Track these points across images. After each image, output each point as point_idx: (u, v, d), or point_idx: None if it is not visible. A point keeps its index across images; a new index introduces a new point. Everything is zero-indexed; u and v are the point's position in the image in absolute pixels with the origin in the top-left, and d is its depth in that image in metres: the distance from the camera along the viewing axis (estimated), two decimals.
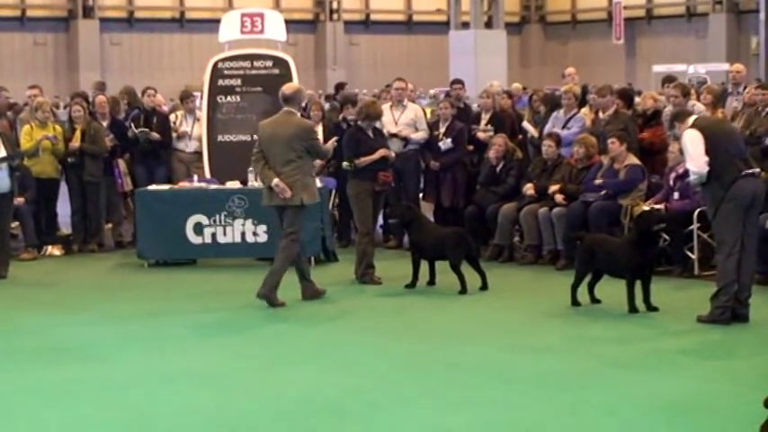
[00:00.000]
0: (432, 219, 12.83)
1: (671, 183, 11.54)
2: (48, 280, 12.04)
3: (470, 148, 13.63)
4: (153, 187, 13.11)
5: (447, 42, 34.43)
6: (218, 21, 15.01)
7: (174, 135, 14.12)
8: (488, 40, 32.60)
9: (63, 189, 13.91)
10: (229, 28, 14.47)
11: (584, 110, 13.32)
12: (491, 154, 12.99)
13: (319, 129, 12.76)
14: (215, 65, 14.10)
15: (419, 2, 45.23)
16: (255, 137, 13.40)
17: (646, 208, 11.14)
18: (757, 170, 9.28)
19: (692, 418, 6.83)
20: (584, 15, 45.96)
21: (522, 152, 13.28)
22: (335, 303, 10.45)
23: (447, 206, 13.37)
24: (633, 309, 9.63)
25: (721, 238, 9.22)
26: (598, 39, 43.03)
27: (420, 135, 13.49)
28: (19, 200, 12.81)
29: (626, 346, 8.68)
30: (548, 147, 12.61)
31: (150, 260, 12.66)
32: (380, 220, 12.72)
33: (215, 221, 12.44)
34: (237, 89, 14.01)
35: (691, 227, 11.24)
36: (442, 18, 42.41)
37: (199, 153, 14.02)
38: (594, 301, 10.04)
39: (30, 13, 38.41)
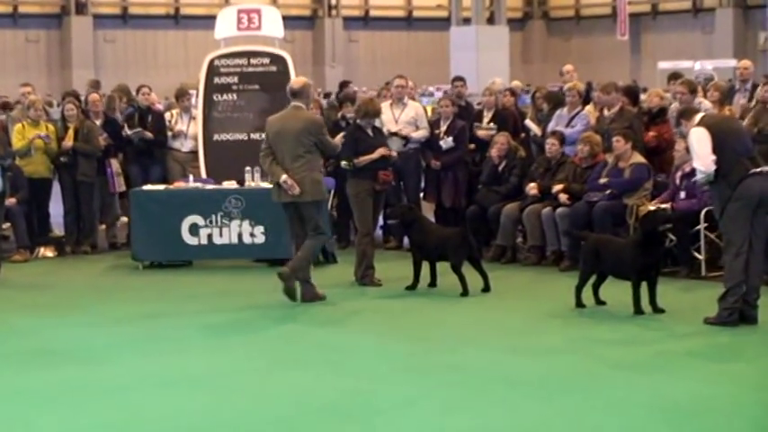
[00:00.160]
0: (432, 219, 12.81)
1: (677, 182, 11.48)
2: (40, 282, 11.98)
3: (472, 146, 13.55)
4: (148, 187, 13.05)
5: (448, 39, 34.45)
6: (213, 17, 14.96)
7: (170, 134, 14.03)
8: (490, 37, 32.59)
9: (56, 189, 13.86)
10: (225, 24, 14.38)
11: (589, 107, 13.25)
12: (493, 153, 12.91)
13: None
14: (211, 62, 14.03)
15: None
16: (252, 136, 13.55)
17: (651, 208, 11.12)
18: (765, 169, 9.18)
19: (698, 422, 6.80)
20: (587, 11, 45.98)
21: (525, 151, 13.21)
22: (335, 305, 10.40)
23: (448, 206, 13.30)
24: (639, 311, 9.55)
25: (729, 238, 9.18)
26: (602, 35, 42.95)
27: (421, 134, 13.43)
28: (11, 200, 12.81)
29: (631, 348, 8.63)
30: (551, 145, 12.53)
31: (145, 262, 12.60)
32: (380, 221, 12.67)
33: (211, 222, 12.36)
34: (234, 87, 13.94)
35: (697, 227, 11.19)
36: (443, 14, 42.46)
37: (194, 152, 13.93)
38: (599, 302, 9.98)
39: (22, 9, 38.42)
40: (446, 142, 13.21)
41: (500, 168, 12.82)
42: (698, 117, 9.35)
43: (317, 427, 6.83)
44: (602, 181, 11.82)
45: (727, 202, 9.02)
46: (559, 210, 11.99)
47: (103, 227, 14.07)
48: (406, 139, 13.31)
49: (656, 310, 9.59)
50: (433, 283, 10.96)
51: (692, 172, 10.13)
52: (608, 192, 11.70)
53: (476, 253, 10.86)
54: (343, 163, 11.37)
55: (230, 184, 12.67)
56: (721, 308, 9.10)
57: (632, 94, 13.33)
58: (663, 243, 10.08)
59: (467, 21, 34.33)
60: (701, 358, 8.32)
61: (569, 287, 10.06)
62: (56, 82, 36.45)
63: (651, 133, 12.30)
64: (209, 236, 12.34)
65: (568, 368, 8.01)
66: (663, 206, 11.18)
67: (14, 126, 13.67)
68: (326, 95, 22.68)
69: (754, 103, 12.53)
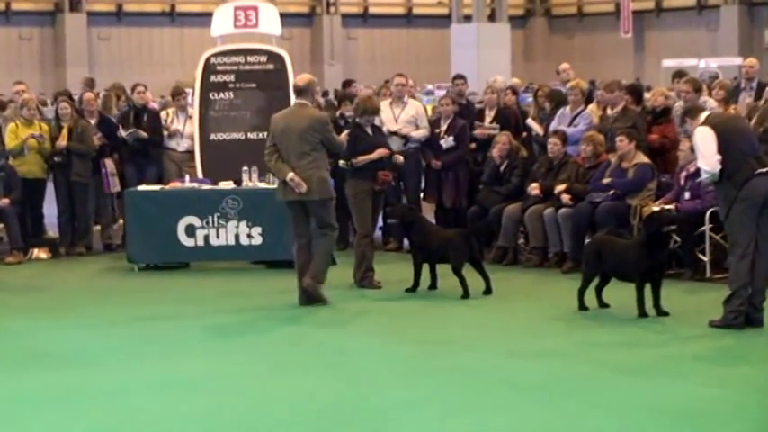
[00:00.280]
0: (433, 219, 12.80)
1: (681, 182, 11.43)
2: (34, 284, 11.97)
3: (473, 146, 13.49)
4: (143, 188, 12.99)
5: (448, 36, 34.40)
6: (210, 14, 14.95)
7: (166, 133, 13.98)
8: (491, 34, 32.51)
9: (50, 190, 13.82)
10: (222, 22, 14.30)
11: (592, 106, 13.22)
12: (494, 152, 12.85)
13: None
14: (207, 60, 13.94)
15: None
16: (250, 135, 13.48)
17: (655, 208, 11.10)
18: None
19: (702, 425, 6.78)
20: (590, 8, 45.90)
21: (527, 150, 13.16)
22: (334, 308, 10.37)
23: (449, 207, 13.25)
24: (643, 313, 9.50)
25: (734, 239, 9.15)
26: (605, 32, 42.80)
27: (421, 133, 13.38)
28: (4, 201, 12.87)
29: (634, 351, 8.58)
30: (553, 145, 12.47)
31: (140, 264, 12.56)
32: (380, 222, 12.59)
33: (208, 223, 12.31)
34: (231, 85, 13.85)
35: (702, 228, 11.14)
36: (444, 11, 42.42)
37: (191, 152, 13.86)
38: (602, 305, 9.97)
39: (15, 6, 38.36)
40: (447, 141, 13.15)
41: (501, 168, 12.77)
42: (703, 116, 9.33)
43: (316, 430, 6.82)
44: (606, 181, 11.77)
45: (732, 202, 8.97)
46: (562, 211, 11.94)
47: (98, 228, 14.01)
48: (406, 138, 13.26)
49: (660, 312, 9.55)
50: (433, 286, 10.93)
51: (697, 172, 10.10)
52: (611, 192, 11.67)
53: (477, 255, 10.82)
54: (341, 162, 11.31)
55: (227, 185, 12.61)
56: (726, 311, 9.06)
57: (636, 92, 13.32)
58: (667, 244, 10.04)
59: (468, 18, 34.25)
60: (706, 361, 8.27)
61: (572, 289, 10.03)
62: (49, 80, 36.42)
63: (654, 135, 12.26)
64: (206, 237, 12.29)
65: (571, 371, 7.98)
66: (667, 207, 11.16)
67: (7, 125, 13.61)
68: (325, 94, 22.53)
69: (763, 101, 12.48)
